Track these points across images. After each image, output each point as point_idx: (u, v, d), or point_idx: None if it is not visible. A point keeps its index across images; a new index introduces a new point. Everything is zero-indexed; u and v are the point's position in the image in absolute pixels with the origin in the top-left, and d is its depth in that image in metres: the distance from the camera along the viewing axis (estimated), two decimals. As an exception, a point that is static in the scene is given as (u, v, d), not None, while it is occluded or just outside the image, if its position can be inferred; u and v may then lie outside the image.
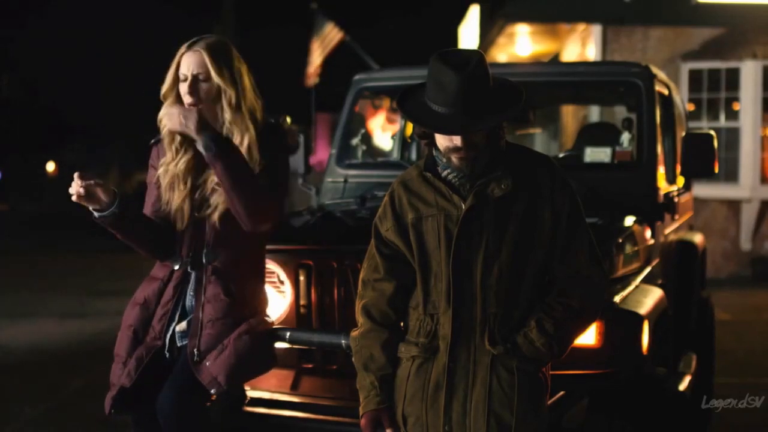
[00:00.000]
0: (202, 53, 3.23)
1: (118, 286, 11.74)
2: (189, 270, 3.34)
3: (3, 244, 20.30)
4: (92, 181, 3.15)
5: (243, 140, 3.26)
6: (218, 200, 3.28)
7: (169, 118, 3.24)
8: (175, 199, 3.33)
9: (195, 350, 3.24)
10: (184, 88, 3.24)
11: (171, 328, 3.32)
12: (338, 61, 14.97)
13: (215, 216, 3.28)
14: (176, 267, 3.35)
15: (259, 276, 3.48)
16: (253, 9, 36.49)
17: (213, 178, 3.28)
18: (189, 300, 3.35)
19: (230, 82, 3.24)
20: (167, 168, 3.34)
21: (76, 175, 3.14)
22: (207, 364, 3.22)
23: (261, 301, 3.47)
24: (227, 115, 3.26)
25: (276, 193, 3.27)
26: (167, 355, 3.33)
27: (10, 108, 38.10)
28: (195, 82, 3.23)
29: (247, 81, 3.31)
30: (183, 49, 3.26)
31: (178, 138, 3.31)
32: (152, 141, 3.46)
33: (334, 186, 5.24)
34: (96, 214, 3.22)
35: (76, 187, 3.13)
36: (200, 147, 3.20)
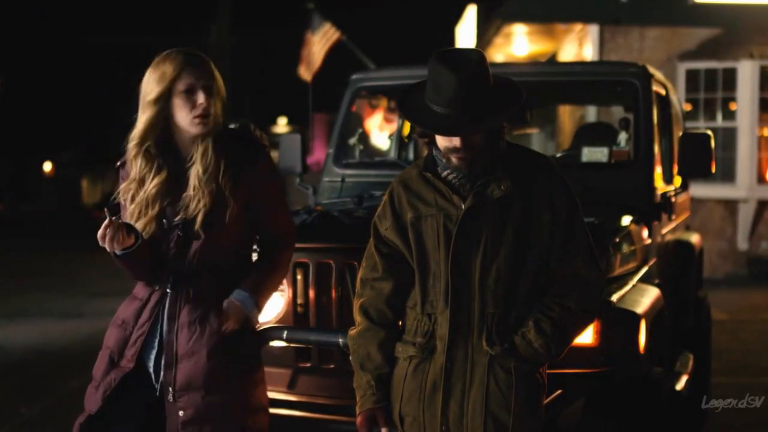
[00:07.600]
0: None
1: (115, 286, 11.71)
2: (168, 291, 3.15)
3: (-1, 244, 20.30)
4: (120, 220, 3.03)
5: (207, 148, 3.13)
6: (196, 207, 3.11)
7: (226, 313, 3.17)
8: (144, 221, 3.14)
9: (170, 387, 3.10)
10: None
11: (151, 356, 3.17)
12: (335, 60, 14.95)
13: (197, 223, 3.10)
14: (156, 287, 3.18)
15: None
16: (249, 9, 36.51)
17: (187, 194, 3.13)
18: (166, 324, 3.16)
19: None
20: (137, 189, 3.16)
21: (106, 225, 2.96)
22: (181, 413, 3.08)
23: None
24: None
25: (285, 214, 3.29)
26: (157, 389, 3.16)
27: (6, 107, 38.07)
28: None
29: (223, 93, 3.24)
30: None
31: (156, 160, 3.15)
32: (118, 163, 3.27)
33: (332, 185, 5.24)
34: (119, 252, 3.05)
35: (115, 233, 2.97)
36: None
